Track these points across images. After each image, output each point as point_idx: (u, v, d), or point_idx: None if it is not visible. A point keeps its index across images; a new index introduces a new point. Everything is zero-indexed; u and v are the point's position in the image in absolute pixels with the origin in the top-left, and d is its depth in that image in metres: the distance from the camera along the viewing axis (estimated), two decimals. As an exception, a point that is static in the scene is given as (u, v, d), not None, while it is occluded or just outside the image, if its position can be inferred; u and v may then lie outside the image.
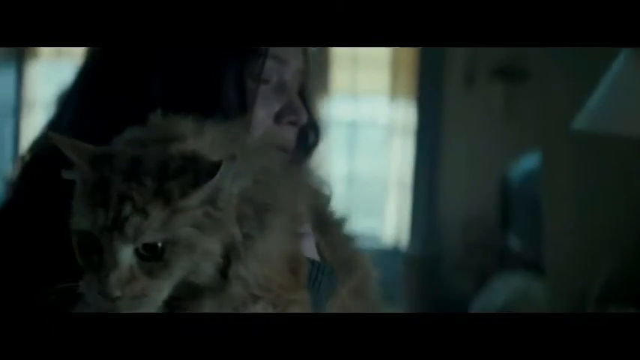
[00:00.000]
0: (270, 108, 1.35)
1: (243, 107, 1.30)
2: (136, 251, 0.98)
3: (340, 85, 8.07)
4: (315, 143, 1.55)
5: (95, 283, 0.98)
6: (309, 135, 1.50)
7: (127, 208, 0.95)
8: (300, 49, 1.41)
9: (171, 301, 1.02)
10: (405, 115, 7.70)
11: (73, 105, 1.34)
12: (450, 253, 7.42)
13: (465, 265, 7.15)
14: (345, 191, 8.36)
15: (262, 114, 1.32)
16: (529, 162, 5.49)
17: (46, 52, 8.86)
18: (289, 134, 1.38)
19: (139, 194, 0.96)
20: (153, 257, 0.98)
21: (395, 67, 7.69)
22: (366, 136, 8.35)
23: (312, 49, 1.47)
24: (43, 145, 1.33)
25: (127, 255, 0.97)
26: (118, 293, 0.97)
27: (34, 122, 8.95)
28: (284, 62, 1.37)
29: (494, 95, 7.23)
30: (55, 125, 1.36)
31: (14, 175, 1.36)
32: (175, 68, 1.27)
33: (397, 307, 7.31)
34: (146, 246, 0.98)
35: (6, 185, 1.37)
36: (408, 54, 7.60)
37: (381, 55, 7.77)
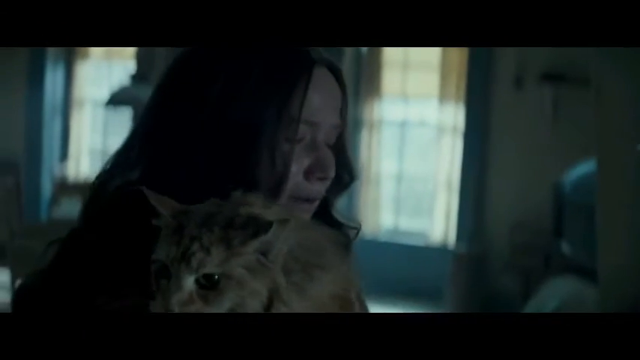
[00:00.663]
0: (301, 165, 1.44)
1: (277, 169, 1.42)
2: (197, 280, 1.20)
3: (391, 87, 8.23)
4: (349, 183, 1.59)
5: (161, 302, 1.21)
6: (342, 176, 1.55)
7: (195, 246, 1.20)
8: (333, 110, 1.48)
9: None
10: (454, 117, 7.82)
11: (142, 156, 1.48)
12: (496, 254, 7.53)
13: (510, 266, 7.26)
14: (394, 190, 8.45)
15: (293, 170, 1.43)
16: (582, 168, 5.47)
17: (95, 52, 8.98)
18: (318, 188, 1.47)
19: (206, 237, 1.20)
20: (209, 287, 1.20)
21: (444, 70, 7.82)
22: (416, 136, 8.48)
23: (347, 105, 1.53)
24: (115, 188, 1.48)
25: (189, 282, 1.20)
26: (177, 310, 1.20)
27: (83, 121, 9.08)
28: (316, 124, 1.45)
29: (543, 99, 7.31)
30: (112, 177, 1.50)
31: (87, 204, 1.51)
32: (215, 135, 1.42)
33: (443, 304, 7.38)
34: (205, 276, 1.20)
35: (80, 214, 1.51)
36: (458, 57, 7.73)
37: (431, 57, 7.90)
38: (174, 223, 1.25)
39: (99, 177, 1.52)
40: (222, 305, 1.22)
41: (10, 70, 8.77)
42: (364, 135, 8.28)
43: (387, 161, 8.41)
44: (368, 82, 8.21)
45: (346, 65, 7.95)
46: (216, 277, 1.21)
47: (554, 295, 5.48)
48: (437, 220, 8.04)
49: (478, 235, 7.66)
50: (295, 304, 1.26)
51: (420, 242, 8.21)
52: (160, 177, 1.40)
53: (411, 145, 8.48)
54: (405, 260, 8.08)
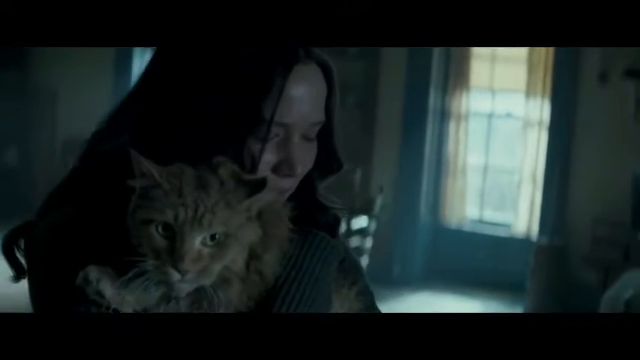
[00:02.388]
0: (268, 163, 1.47)
1: (245, 165, 1.45)
2: (203, 239, 1.32)
3: (479, 80, 8.35)
4: (336, 171, 1.63)
5: (170, 261, 1.31)
6: (328, 164, 1.61)
7: (202, 207, 1.32)
8: (314, 107, 1.50)
9: (212, 284, 1.35)
10: (540, 110, 7.91)
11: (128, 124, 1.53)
12: (577, 246, 7.63)
13: (590, 258, 7.37)
14: (480, 182, 8.58)
15: (261, 167, 1.45)
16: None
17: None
18: (286, 184, 1.49)
19: (207, 199, 1.32)
20: (214, 244, 1.33)
21: (532, 64, 7.90)
22: (502, 129, 8.58)
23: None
24: (96, 154, 1.53)
25: (197, 241, 1.32)
26: (190, 267, 1.30)
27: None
28: (290, 125, 1.47)
29: (626, 95, 7.39)
30: (103, 137, 1.54)
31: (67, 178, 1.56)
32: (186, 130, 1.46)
33: (525, 295, 7.54)
34: (211, 235, 1.32)
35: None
36: (545, 51, 7.80)
37: (518, 51, 7.99)
38: (168, 185, 1.34)
39: (92, 137, 1.55)
40: (224, 260, 1.34)
41: (98, 65, 9.01)
42: (451, 127, 8.40)
43: (473, 153, 8.52)
44: (456, 75, 8.32)
45: (435, 58, 8.17)
46: (219, 235, 1.33)
47: (629, 285, 5.70)
48: (521, 213, 8.12)
49: (560, 228, 7.74)
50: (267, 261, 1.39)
51: (503, 234, 8.30)
52: (145, 144, 1.42)
53: (497, 138, 8.58)
54: (489, 251, 8.19)
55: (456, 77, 8.34)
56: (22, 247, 1.53)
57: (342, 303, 1.52)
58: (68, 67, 8.96)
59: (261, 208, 1.38)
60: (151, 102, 1.50)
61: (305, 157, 1.50)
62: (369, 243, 6.21)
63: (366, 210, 6.23)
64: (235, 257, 1.35)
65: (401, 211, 8.31)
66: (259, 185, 1.35)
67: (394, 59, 8.21)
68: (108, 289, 1.34)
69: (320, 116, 1.51)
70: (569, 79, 7.68)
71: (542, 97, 7.87)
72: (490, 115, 8.52)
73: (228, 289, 1.36)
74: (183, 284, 1.33)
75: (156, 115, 1.48)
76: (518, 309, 7.62)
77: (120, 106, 1.55)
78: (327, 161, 1.59)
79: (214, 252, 1.33)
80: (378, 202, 6.23)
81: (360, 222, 6.21)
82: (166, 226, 1.33)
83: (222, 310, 1.36)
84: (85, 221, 1.44)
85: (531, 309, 7.50)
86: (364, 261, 6.18)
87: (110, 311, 1.34)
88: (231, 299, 1.36)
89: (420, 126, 8.31)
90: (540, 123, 7.92)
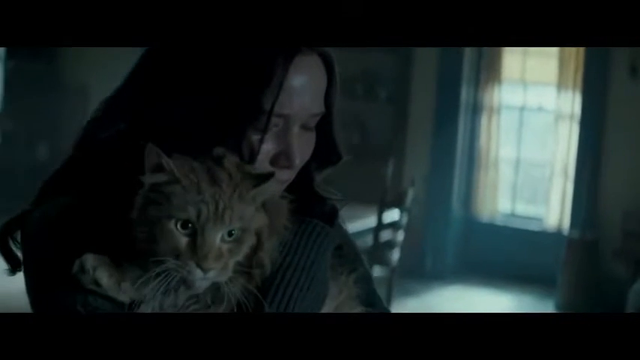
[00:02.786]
0: (267, 153, 1.45)
1: (243, 156, 1.43)
2: (222, 236, 1.32)
3: (511, 73, 8.37)
4: (336, 163, 1.61)
5: (194, 259, 1.30)
6: (328, 155, 1.59)
7: (221, 204, 1.31)
8: (314, 98, 1.48)
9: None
10: (572, 103, 7.93)
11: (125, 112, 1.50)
12: (608, 240, 7.65)
13: (621, 252, 7.39)
14: (512, 175, 8.61)
15: (259, 158, 1.43)
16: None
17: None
18: (283, 175, 1.47)
19: (223, 194, 1.31)
20: (232, 240, 1.32)
21: (563, 57, 7.92)
22: (534, 122, 8.61)
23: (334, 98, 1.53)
24: (91, 142, 1.50)
25: (218, 238, 1.31)
26: (213, 265, 1.30)
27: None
28: (289, 116, 1.45)
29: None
30: (99, 125, 1.51)
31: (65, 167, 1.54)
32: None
33: (556, 288, 7.57)
34: (229, 232, 1.32)
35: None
36: None
37: None
38: (187, 181, 1.32)
39: (88, 125, 1.52)
40: (240, 255, 1.34)
41: (128, 62, 9.05)
42: (483, 120, 8.43)
43: (505, 146, 8.55)
44: (488, 67, 8.35)
45: (466, 51, 8.19)
46: (236, 230, 1.33)
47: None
48: (552, 206, 8.14)
49: (591, 222, 7.75)
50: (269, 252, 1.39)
51: (535, 227, 8.33)
52: (142, 134, 1.39)
53: (529, 131, 8.61)
54: (521, 245, 8.21)
55: (488, 70, 8.36)
56: (18, 239, 1.50)
57: (340, 290, 1.50)
58: (99, 63, 9.04)
59: (265, 199, 1.38)
60: (149, 91, 1.47)
61: (304, 148, 1.49)
62: (400, 236, 6.25)
63: (398, 203, 6.26)
64: (248, 251, 1.36)
65: (433, 205, 8.36)
66: (265, 177, 1.35)
67: (426, 53, 8.25)
68: (104, 277, 1.32)
69: (320, 107, 1.50)
70: (600, 72, 7.70)
71: (574, 90, 7.88)
72: (522, 109, 8.54)
73: (231, 287, 1.35)
74: (204, 282, 1.32)
75: (153, 104, 1.46)
76: (549, 302, 7.65)
77: (117, 93, 1.53)
78: (326, 152, 1.57)
79: (232, 247, 1.33)
80: (410, 195, 6.27)
81: (392, 215, 6.25)
82: (186, 224, 1.31)
83: (219, 307, 1.35)
84: (81, 209, 1.42)
85: (562, 302, 7.54)
86: (395, 254, 6.22)
87: (106, 300, 1.33)
88: (235, 293, 1.35)
89: (452, 119, 8.36)
90: (572, 116, 7.93)
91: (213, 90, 1.42)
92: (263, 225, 1.37)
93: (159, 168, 1.32)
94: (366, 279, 1.63)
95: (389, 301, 6.22)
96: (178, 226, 1.31)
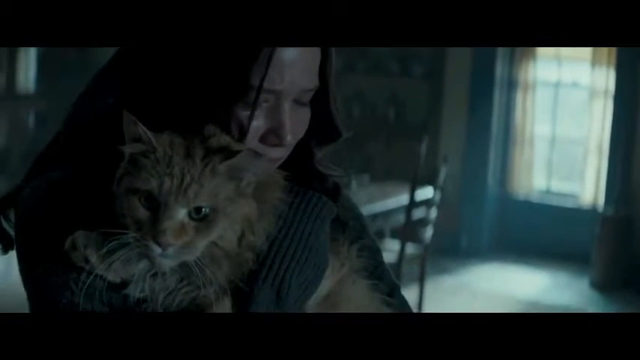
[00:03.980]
0: (257, 131, 1.40)
1: (232, 133, 1.39)
2: (189, 212, 1.26)
3: (545, 49, 8.38)
4: (336, 139, 1.55)
5: (151, 233, 1.25)
6: (327, 131, 1.53)
7: (188, 178, 1.26)
8: (306, 73, 1.43)
9: (198, 261, 1.29)
10: (606, 80, 7.96)
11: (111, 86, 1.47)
12: (642, 217, 7.64)
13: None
14: (547, 152, 8.67)
15: (250, 135, 1.39)
16: None
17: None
18: (275, 153, 1.43)
19: (194, 169, 1.26)
20: (199, 218, 1.27)
21: (597, 33, 7.88)
22: (569, 99, 8.63)
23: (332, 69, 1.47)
24: (81, 117, 1.49)
25: (181, 214, 1.26)
26: (172, 241, 1.25)
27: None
28: (280, 91, 1.40)
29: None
30: (88, 99, 1.50)
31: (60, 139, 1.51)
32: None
33: (592, 265, 7.65)
34: (196, 209, 1.26)
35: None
36: None
37: None
38: (161, 152, 1.28)
39: (77, 100, 1.51)
40: (210, 236, 1.28)
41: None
42: (518, 96, 8.48)
43: (540, 123, 8.58)
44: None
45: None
46: (205, 209, 1.27)
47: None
48: (587, 183, 8.19)
49: (625, 198, 7.79)
50: (261, 233, 1.35)
51: (570, 204, 8.38)
52: (130, 109, 1.33)
53: (564, 107, 8.64)
54: (556, 221, 8.27)
55: (523, 46, 8.36)
56: (11, 217, 1.47)
57: (342, 263, 1.48)
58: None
59: (256, 183, 1.34)
60: (137, 66, 1.44)
61: (297, 125, 1.44)
62: (433, 214, 6.31)
63: (430, 181, 6.32)
64: (225, 234, 1.30)
65: (468, 182, 8.44)
66: (234, 152, 1.30)
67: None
68: (94, 255, 1.30)
69: (313, 82, 1.44)
70: (633, 48, 7.58)
71: (608, 66, 7.90)
72: (557, 85, 8.57)
73: (217, 271, 1.31)
74: (165, 259, 1.28)
75: (141, 78, 1.43)
76: (584, 279, 7.71)
77: (106, 68, 1.50)
78: (324, 129, 1.52)
79: (200, 226, 1.28)
80: (443, 172, 6.33)
81: (425, 193, 6.31)
82: (150, 197, 1.27)
83: (209, 289, 1.31)
84: (71, 184, 1.40)
85: (597, 279, 7.60)
86: (429, 232, 6.29)
87: (97, 279, 1.31)
88: (220, 280, 1.31)
89: (487, 96, 8.41)
90: (606, 92, 7.96)
91: (201, 65, 1.38)
92: (249, 211, 1.32)
93: (138, 138, 1.29)
94: (372, 251, 1.60)
95: (422, 278, 6.32)
96: (142, 199, 1.28)
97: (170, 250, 1.26)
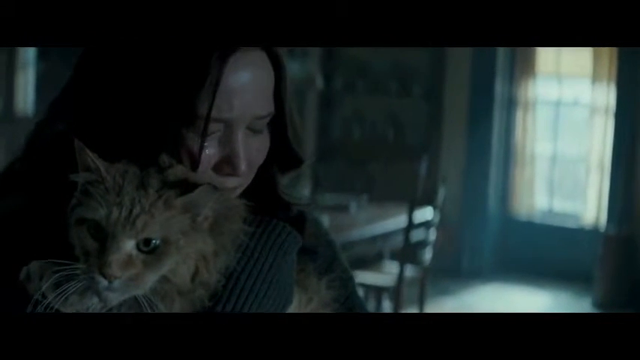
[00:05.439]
0: (209, 161, 1.35)
1: (184, 163, 1.34)
2: (137, 244, 1.21)
3: (545, 67, 8.40)
4: (297, 165, 1.50)
5: (97, 265, 1.21)
6: (289, 158, 1.48)
7: (137, 208, 1.21)
8: (259, 99, 1.38)
9: (148, 297, 1.24)
10: (607, 97, 7.94)
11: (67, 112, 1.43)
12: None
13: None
14: (548, 171, 8.65)
15: (203, 165, 1.34)
16: None
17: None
18: (230, 182, 1.38)
19: (145, 200, 1.22)
20: (148, 251, 1.22)
21: (597, 49, 7.91)
22: (570, 116, 8.61)
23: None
24: (36, 143, 1.44)
25: (129, 245, 1.21)
26: (117, 273, 1.20)
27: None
28: (230, 120, 1.35)
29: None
30: (44, 125, 1.45)
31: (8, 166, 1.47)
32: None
33: (594, 285, 7.61)
34: (145, 241, 1.22)
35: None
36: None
37: None
38: (112, 182, 1.24)
39: (35, 126, 1.46)
40: (160, 270, 1.23)
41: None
42: (519, 115, 8.47)
43: (541, 141, 8.57)
44: (522, 62, 8.40)
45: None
46: (155, 241, 1.22)
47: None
48: (590, 202, 8.17)
49: (628, 217, 7.76)
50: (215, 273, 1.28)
51: (572, 224, 8.34)
52: (82, 137, 1.29)
53: (565, 125, 8.62)
54: (558, 241, 8.25)
55: (522, 64, 8.41)
56: None
57: (310, 297, 1.41)
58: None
59: (216, 214, 1.29)
60: (87, 92, 1.39)
61: (252, 153, 1.39)
62: (433, 235, 6.28)
63: (429, 201, 6.30)
64: (177, 269, 1.25)
65: (469, 203, 8.42)
66: (191, 186, 1.25)
67: (460, 48, 8.27)
68: (49, 287, 1.24)
69: (267, 108, 1.39)
70: (634, 64, 7.69)
71: (608, 83, 7.90)
72: (557, 103, 8.55)
73: (169, 307, 1.26)
74: (112, 293, 1.23)
75: (92, 104, 1.38)
76: (586, 299, 7.68)
77: (60, 94, 1.45)
78: (284, 155, 1.47)
79: (149, 259, 1.23)
80: (441, 193, 6.31)
81: (425, 214, 6.29)
82: (98, 227, 1.23)
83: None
84: (26, 212, 1.36)
85: (599, 299, 7.56)
86: (428, 253, 6.27)
87: (53, 311, 1.25)
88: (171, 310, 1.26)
89: (486, 115, 8.41)
90: (607, 109, 7.94)
91: (148, 93, 1.32)
92: (204, 247, 1.27)
93: (88, 167, 1.26)
94: (343, 280, 1.54)
95: (422, 300, 6.29)
96: (91, 229, 1.23)
97: (116, 283, 1.21)
